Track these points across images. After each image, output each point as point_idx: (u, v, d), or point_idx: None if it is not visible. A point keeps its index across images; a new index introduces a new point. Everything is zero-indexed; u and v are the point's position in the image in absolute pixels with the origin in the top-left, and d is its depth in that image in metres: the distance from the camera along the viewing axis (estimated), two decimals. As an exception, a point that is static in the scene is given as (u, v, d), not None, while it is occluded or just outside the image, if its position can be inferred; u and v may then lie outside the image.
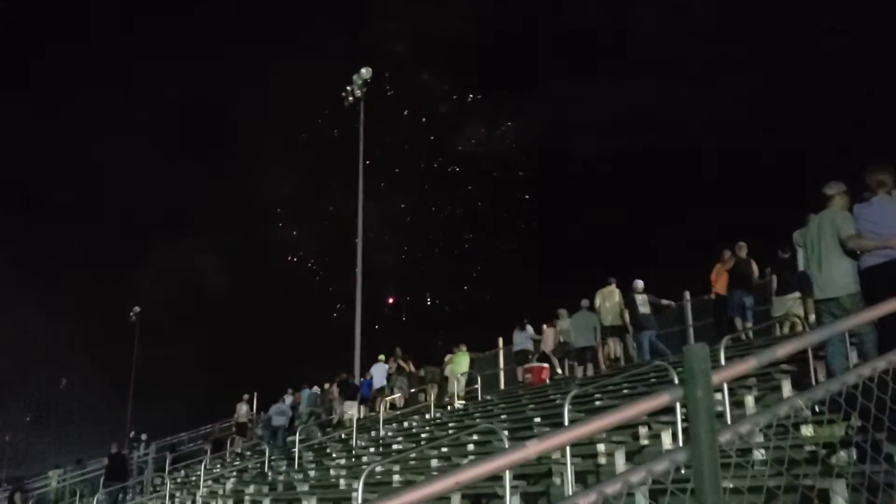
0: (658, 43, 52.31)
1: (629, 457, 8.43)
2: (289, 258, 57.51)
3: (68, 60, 63.71)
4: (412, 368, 21.97)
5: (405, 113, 56.10)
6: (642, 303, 14.68)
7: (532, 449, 2.06)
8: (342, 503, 11.35)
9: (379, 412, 18.51)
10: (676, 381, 8.41)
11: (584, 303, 16.24)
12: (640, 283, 15.00)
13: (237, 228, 57.97)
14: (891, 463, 4.55)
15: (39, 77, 63.95)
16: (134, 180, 60.13)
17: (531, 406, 13.99)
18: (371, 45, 54.44)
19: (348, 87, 30.73)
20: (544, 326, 18.71)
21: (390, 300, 55.98)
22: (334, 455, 16.77)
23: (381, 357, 22.68)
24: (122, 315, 47.96)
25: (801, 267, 11.82)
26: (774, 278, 13.39)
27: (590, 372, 15.77)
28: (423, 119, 57.25)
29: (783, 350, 2.57)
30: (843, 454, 5.23)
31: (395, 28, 56.55)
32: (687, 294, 16.54)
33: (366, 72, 30.27)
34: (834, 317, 7.08)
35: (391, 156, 57.83)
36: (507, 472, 7.26)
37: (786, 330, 13.19)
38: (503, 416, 13.94)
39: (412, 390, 21.28)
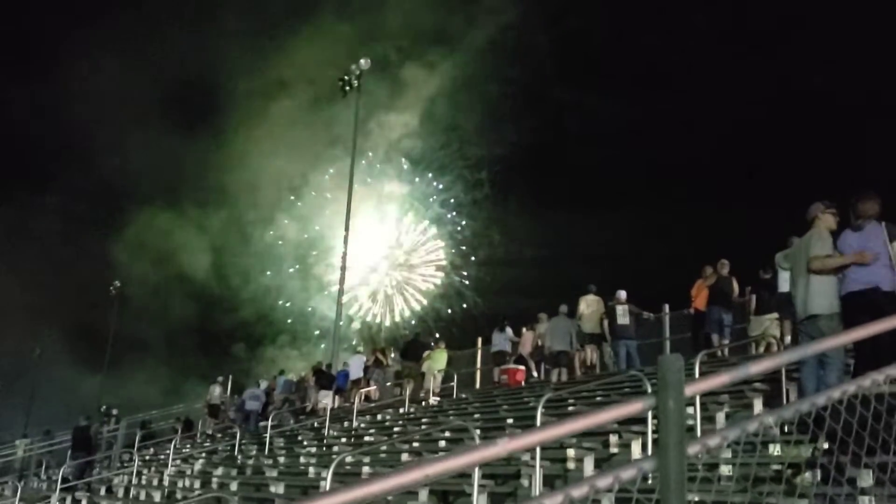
0: (658, 55, 52.46)
1: (598, 464, 8.49)
2: (272, 241, 57.12)
3: (52, 25, 63.14)
4: (390, 362, 22.00)
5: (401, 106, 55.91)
6: (622, 313, 14.77)
7: (502, 447, 2.09)
8: (310, 491, 11.35)
9: (353, 403, 18.52)
10: (650, 391, 8.48)
11: (563, 308, 16.31)
12: (622, 294, 15.09)
13: (222, 208, 57.51)
14: (853, 486, 4.63)
15: (23, 41, 63.33)
16: (119, 152, 59.53)
17: (505, 407, 14.05)
18: (373, 35, 54.25)
19: (345, 77, 30.68)
20: (524, 329, 18.80)
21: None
22: (305, 443, 16.76)
23: (360, 349, 22.70)
24: (100, 288, 47.72)
25: (781, 288, 11.97)
26: (754, 298, 13.50)
27: (564, 377, 15.85)
28: (418, 115, 57.05)
29: (757, 367, 2.61)
30: (807, 475, 5.30)
31: (400, 20, 56.23)
32: (666, 307, 16.65)
33: (364, 62, 30.22)
34: (811, 338, 7.15)
35: (385, 148, 57.78)
36: (476, 470, 7.29)
37: (761, 349, 13.31)
38: (476, 415, 13.99)
39: (388, 384, 21.30)
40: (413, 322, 51.69)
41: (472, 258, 56.39)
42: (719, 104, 49.23)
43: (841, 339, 3.74)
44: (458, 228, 56.99)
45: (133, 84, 60.85)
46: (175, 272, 54.82)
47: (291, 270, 56.20)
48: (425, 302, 55.16)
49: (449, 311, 53.44)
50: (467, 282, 55.24)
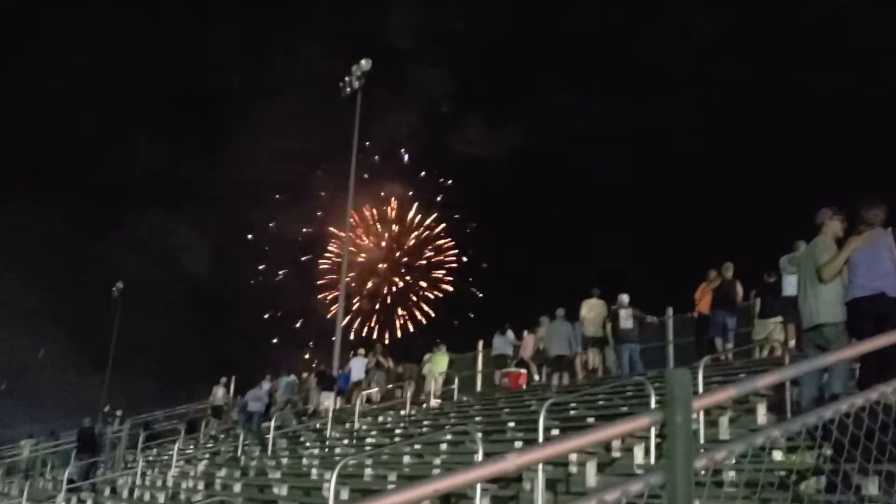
0: (660, 59, 52.49)
1: (600, 468, 8.47)
2: (272, 244, 57.00)
3: (58, 26, 63.24)
4: (391, 364, 22.02)
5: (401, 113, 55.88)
6: (626, 317, 14.73)
7: (511, 462, 2.09)
8: (313, 492, 11.37)
9: (355, 405, 18.53)
10: (653, 398, 8.48)
11: (560, 312, 16.25)
12: (625, 298, 15.03)
13: (223, 208, 57.59)
14: (858, 495, 4.62)
15: (26, 41, 63.42)
16: (121, 154, 59.70)
17: (506, 410, 14.06)
18: (374, 37, 54.28)
19: (346, 78, 30.65)
20: (525, 332, 18.78)
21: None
22: (308, 444, 16.78)
23: (361, 351, 22.72)
24: (103, 289, 47.76)
25: (785, 292, 11.95)
26: (758, 301, 13.48)
27: (565, 380, 15.82)
28: (420, 117, 57.08)
29: (763, 382, 2.61)
30: (812, 482, 5.29)
31: (401, 23, 56.24)
32: (670, 310, 16.63)
33: (365, 63, 30.16)
34: (817, 346, 7.14)
35: (385, 149, 57.84)
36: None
37: (765, 353, 13.29)
38: (478, 418, 14.00)
39: (389, 386, 21.31)
40: (417, 335, 51.57)
41: (472, 259, 56.37)
42: (723, 106, 49.25)
43: (848, 352, 3.74)
44: (465, 229, 57.00)
45: (134, 85, 60.94)
46: (176, 272, 54.90)
47: (286, 272, 56.09)
48: (432, 314, 55.03)
49: (455, 322, 53.30)
50: (478, 293, 55.13)
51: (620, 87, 55.37)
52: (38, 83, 61.84)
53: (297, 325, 54.41)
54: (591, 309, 15.81)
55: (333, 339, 27.38)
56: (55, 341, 49.75)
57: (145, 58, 63.78)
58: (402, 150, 57.18)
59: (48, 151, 62.14)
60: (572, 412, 11.89)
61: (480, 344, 21.67)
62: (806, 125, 43.03)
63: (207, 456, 18.93)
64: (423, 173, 58.27)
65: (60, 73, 59.63)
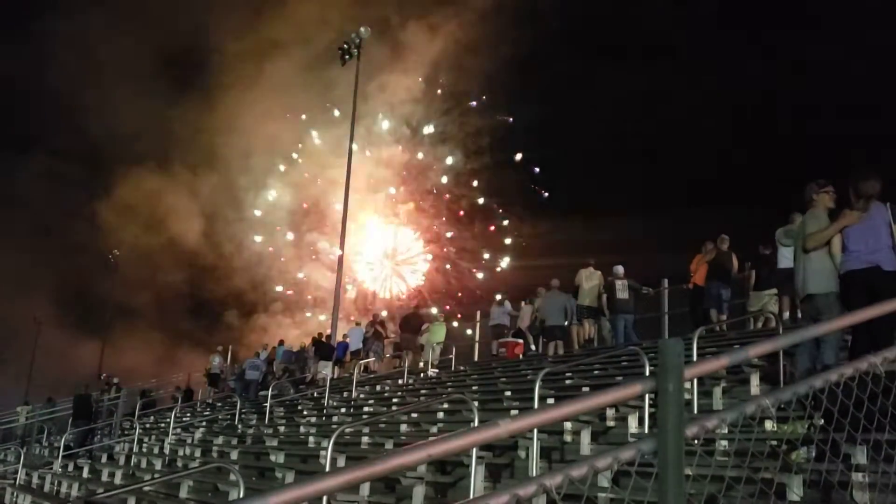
0: (662, 28, 52.00)
1: (594, 437, 8.57)
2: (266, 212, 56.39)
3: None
4: (389, 334, 22.16)
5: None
6: (622, 288, 14.82)
7: (504, 428, 2.12)
8: (310, 460, 11.47)
9: (353, 374, 18.66)
10: (647, 368, 8.54)
11: (555, 282, 16.39)
12: (620, 269, 15.12)
13: (214, 172, 56.71)
14: (847, 463, 4.69)
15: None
16: (108, 112, 58.66)
17: (503, 379, 14.17)
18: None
19: (345, 45, 30.43)
20: (522, 303, 18.89)
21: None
22: (305, 413, 16.91)
23: (360, 321, 22.86)
24: (100, 256, 47.80)
25: (780, 264, 12.03)
26: (753, 273, 13.54)
27: (560, 350, 15.95)
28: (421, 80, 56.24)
29: (755, 351, 2.64)
30: (802, 451, 5.37)
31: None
32: (665, 282, 16.69)
33: (364, 30, 29.96)
34: (810, 317, 7.23)
35: (384, 113, 57.17)
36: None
37: (759, 325, 13.38)
38: (475, 387, 14.11)
39: (387, 355, 21.46)
40: (408, 297, 51.41)
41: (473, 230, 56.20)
42: (723, 77, 48.97)
43: (839, 322, 3.77)
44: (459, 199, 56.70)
45: (124, 42, 59.69)
46: (166, 238, 54.36)
47: (284, 237, 55.62)
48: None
49: (459, 294, 53.05)
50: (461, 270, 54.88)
51: (623, 55, 54.75)
52: (25, 39, 60.72)
53: (290, 291, 54.11)
54: (588, 279, 15.89)
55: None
56: (51, 307, 49.73)
57: (138, 13, 62.51)
58: (403, 114, 56.29)
59: (34, 109, 61.16)
60: (567, 381, 11.98)
61: (478, 314, 21.81)
62: (810, 95, 42.81)
63: (204, 423, 19.08)
64: (418, 143, 57.77)
65: (48, 27, 58.19)
